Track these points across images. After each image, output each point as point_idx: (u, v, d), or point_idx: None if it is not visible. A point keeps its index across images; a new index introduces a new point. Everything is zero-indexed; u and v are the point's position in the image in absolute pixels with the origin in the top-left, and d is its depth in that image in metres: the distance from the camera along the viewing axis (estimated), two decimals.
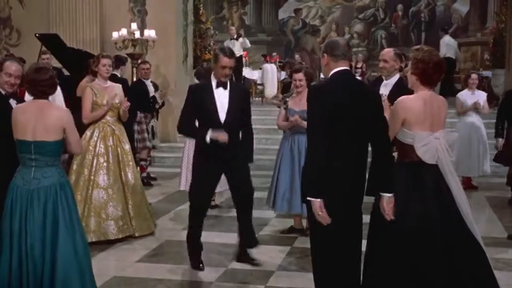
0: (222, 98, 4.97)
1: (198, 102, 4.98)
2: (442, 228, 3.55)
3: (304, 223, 6.29)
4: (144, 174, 9.06)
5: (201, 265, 5.17)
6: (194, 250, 5.20)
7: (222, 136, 4.86)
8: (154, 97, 9.11)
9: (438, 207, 3.57)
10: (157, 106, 9.34)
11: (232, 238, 6.04)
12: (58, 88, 4.47)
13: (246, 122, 5.20)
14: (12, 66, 4.34)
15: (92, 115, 6.06)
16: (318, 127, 3.52)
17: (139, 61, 10.28)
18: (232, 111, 4.97)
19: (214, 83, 5.00)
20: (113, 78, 7.57)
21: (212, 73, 5.06)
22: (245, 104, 5.20)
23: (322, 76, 14.51)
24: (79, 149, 4.23)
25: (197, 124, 5.13)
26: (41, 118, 3.88)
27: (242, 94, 5.22)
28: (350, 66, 3.90)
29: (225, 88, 4.99)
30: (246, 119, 5.20)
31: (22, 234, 3.84)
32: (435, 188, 3.61)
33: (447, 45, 14.48)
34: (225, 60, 4.88)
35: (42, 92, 3.97)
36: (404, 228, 3.54)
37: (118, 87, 6.28)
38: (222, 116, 4.95)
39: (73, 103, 7.75)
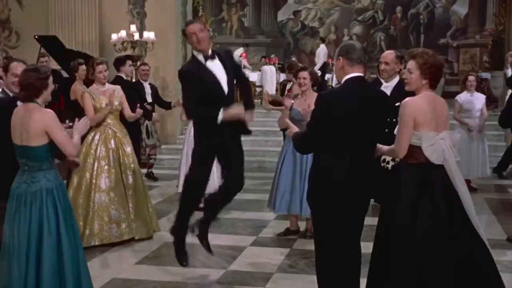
0: (216, 70, 4.70)
1: (198, 80, 4.63)
2: (451, 229, 3.53)
3: (300, 225, 6.28)
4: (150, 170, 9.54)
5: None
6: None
7: (240, 113, 4.65)
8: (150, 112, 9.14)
9: (447, 208, 3.55)
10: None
11: (230, 239, 6.05)
12: None
13: (241, 76, 5.03)
14: (18, 67, 4.34)
15: (96, 117, 6.03)
16: (318, 135, 3.61)
17: (138, 63, 10.29)
18: (230, 80, 4.72)
19: (201, 58, 4.72)
20: (119, 81, 7.57)
21: (192, 49, 4.85)
22: (235, 65, 5.00)
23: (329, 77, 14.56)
24: (71, 150, 3.89)
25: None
26: (24, 122, 3.81)
27: (229, 57, 4.95)
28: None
29: (213, 59, 4.72)
30: (240, 74, 5.04)
31: (10, 238, 3.81)
32: (443, 189, 3.59)
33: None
34: (190, 27, 4.74)
35: (27, 95, 3.85)
36: (414, 230, 3.50)
37: (117, 89, 6.28)
38: (225, 88, 4.70)
39: (69, 105, 7.76)
